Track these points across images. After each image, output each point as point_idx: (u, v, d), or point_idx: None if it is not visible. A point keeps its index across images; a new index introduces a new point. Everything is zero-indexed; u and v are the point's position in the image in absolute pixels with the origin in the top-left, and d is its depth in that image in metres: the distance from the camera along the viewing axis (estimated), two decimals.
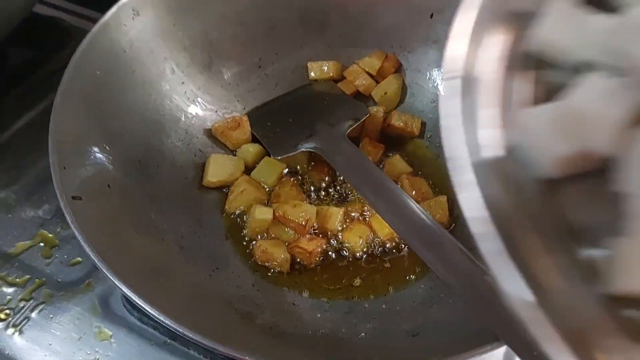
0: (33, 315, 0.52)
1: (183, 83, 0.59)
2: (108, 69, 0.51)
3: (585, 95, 0.26)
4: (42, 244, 0.57)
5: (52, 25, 0.77)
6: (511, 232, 0.24)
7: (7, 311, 0.52)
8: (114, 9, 0.52)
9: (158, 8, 0.55)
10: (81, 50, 0.48)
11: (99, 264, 0.36)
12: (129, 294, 0.35)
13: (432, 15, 0.60)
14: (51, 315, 0.52)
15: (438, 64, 0.62)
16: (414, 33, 0.62)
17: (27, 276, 0.54)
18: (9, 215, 0.59)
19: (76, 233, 0.37)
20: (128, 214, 0.46)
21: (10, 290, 0.54)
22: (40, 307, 0.52)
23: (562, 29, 0.28)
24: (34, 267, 0.55)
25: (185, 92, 0.58)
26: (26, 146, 0.65)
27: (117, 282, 0.36)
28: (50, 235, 0.58)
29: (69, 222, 0.38)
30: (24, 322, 0.51)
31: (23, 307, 0.52)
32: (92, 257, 0.36)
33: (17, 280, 0.54)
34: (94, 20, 0.77)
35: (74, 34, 0.76)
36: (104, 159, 0.47)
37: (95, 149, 0.47)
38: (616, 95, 0.25)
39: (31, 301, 0.53)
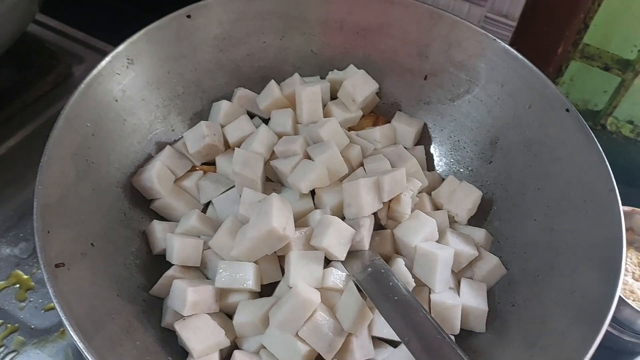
0: None
1: (173, 130, 0.58)
2: (98, 120, 0.50)
3: None
4: (17, 286, 0.56)
5: (39, 47, 0.74)
6: None
7: None
8: (108, 58, 0.51)
9: (155, 56, 0.55)
10: (72, 102, 0.47)
11: (82, 347, 0.35)
12: None
13: (425, 78, 0.62)
14: None
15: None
16: (407, 94, 0.63)
17: (0, 320, 0.53)
18: None
19: (59, 310, 0.36)
20: (111, 274, 0.46)
21: None
22: (12, 355, 0.51)
23: None
24: (7, 311, 0.54)
25: (175, 141, 0.58)
26: (4, 178, 0.64)
27: None
28: (26, 276, 0.57)
29: (51, 295, 0.37)
30: None
31: None
32: (76, 340, 0.36)
33: None
34: (85, 44, 0.77)
35: (62, 57, 0.75)
36: (89, 215, 0.47)
37: (81, 206, 0.46)
38: None
39: (2, 348, 0.52)
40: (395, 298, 0.44)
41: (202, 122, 0.55)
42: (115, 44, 0.76)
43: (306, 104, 0.56)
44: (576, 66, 0.78)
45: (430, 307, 0.49)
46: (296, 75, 0.60)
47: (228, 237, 0.49)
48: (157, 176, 0.52)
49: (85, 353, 0.35)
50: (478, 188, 0.57)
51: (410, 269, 0.50)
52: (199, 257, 0.50)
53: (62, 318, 0.36)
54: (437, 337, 0.40)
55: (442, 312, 0.49)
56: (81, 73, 0.75)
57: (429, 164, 0.62)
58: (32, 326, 0.53)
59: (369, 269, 0.47)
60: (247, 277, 0.47)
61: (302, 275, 0.46)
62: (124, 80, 0.52)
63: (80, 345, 0.35)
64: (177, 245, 0.49)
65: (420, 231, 0.50)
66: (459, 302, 0.49)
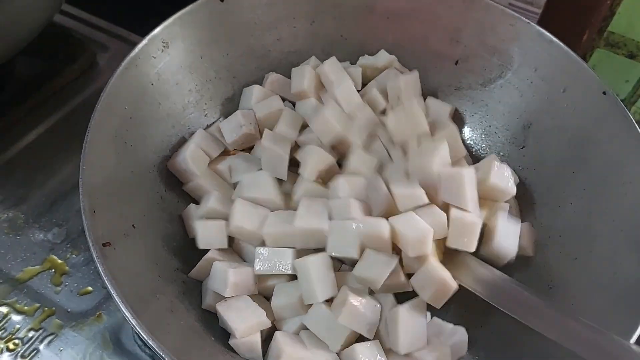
0: (42, 347, 0.51)
1: (206, 115, 0.58)
2: (136, 103, 0.50)
3: None
4: (51, 270, 0.56)
5: (64, 36, 0.75)
6: None
7: (16, 341, 0.51)
8: (144, 42, 0.51)
9: (188, 40, 0.55)
10: (111, 85, 0.47)
11: (134, 322, 0.36)
12: (161, 354, 0.35)
13: (457, 63, 0.61)
14: (61, 348, 0.51)
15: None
16: (437, 79, 0.62)
17: (37, 304, 0.53)
18: (17, 237, 0.58)
19: (109, 287, 0.37)
20: (152, 256, 0.46)
21: (18, 318, 0.53)
22: (50, 338, 0.52)
23: None
24: (43, 295, 0.54)
25: (208, 125, 0.58)
26: (35, 164, 0.64)
27: (154, 345, 0.35)
28: (60, 261, 0.57)
29: (101, 273, 0.37)
30: (33, 353, 0.51)
31: (32, 338, 0.51)
32: (127, 314, 0.36)
33: (26, 308, 0.53)
34: (109, 33, 0.77)
35: (87, 46, 0.75)
36: (129, 197, 0.47)
37: (122, 188, 0.46)
38: None
39: (40, 331, 0.52)
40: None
41: (239, 112, 0.55)
42: (139, 33, 0.77)
43: (343, 101, 0.56)
44: (600, 54, 0.78)
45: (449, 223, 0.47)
46: (333, 59, 0.59)
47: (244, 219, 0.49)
48: (191, 158, 0.52)
49: (137, 328, 0.36)
50: None
51: (433, 198, 0.48)
52: (224, 239, 0.49)
53: (113, 295, 0.37)
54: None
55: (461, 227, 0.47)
56: (105, 62, 0.75)
57: None
58: (69, 310, 0.53)
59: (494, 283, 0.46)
60: (287, 263, 0.47)
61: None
62: (159, 64, 0.52)
63: (132, 320, 0.36)
64: (199, 228, 0.49)
65: (435, 155, 0.49)
66: (479, 221, 0.48)
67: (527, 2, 0.73)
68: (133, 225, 0.46)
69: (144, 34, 0.52)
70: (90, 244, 0.38)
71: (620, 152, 0.49)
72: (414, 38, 0.61)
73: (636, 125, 0.49)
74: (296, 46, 0.62)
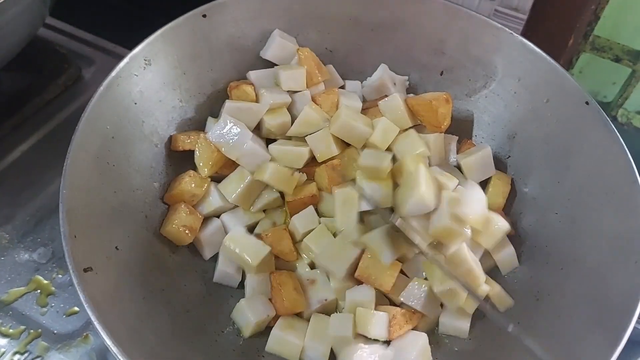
0: None
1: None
2: (118, 122, 0.49)
3: None
4: (37, 291, 0.55)
5: (49, 50, 0.74)
6: None
7: None
8: (125, 60, 0.50)
9: (171, 57, 0.54)
10: (92, 105, 0.47)
11: (113, 348, 0.35)
12: None
13: (442, 73, 0.61)
14: None
15: None
16: (423, 89, 0.62)
17: (22, 327, 0.53)
18: (2, 258, 0.57)
19: (90, 314, 0.36)
20: (135, 278, 0.46)
21: (4, 341, 0.52)
22: None
23: None
24: (29, 317, 0.54)
25: None
26: (20, 182, 0.63)
27: None
28: (46, 281, 0.56)
29: (82, 300, 0.37)
30: None
31: None
32: (107, 341, 0.35)
33: (11, 331, 0.53)
34: (94, 46, 0.77)
35: (72, 60, 0.74)
36: (112, 218, 0.46)
37: (104, 209, 0.46)
38: None
39: (26, 354, 0.52)
40: None
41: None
42: (125, 46, 0.76)
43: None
44: (586, 58, 0.78)
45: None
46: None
47: None
48: None
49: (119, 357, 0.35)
50: None
51: None
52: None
53: (96, 324, 0.36)
54: None
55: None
56: (91, 75, 0.75)
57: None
58: (55, 331, 0.53)
59: None
60: None
61: None
62: (142, 82, 0.52)
63: (114, 348, 0.35)
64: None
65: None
66: None
67: (513, 8, 0.73)
68: (116, 247, 0.45)
69: (130, 46, 0.52)
70: (71, 270, 0.38)
71: (603, 161, 0.50)
72: (399, 49, 0.61)
73: (618, 135, 0.50)
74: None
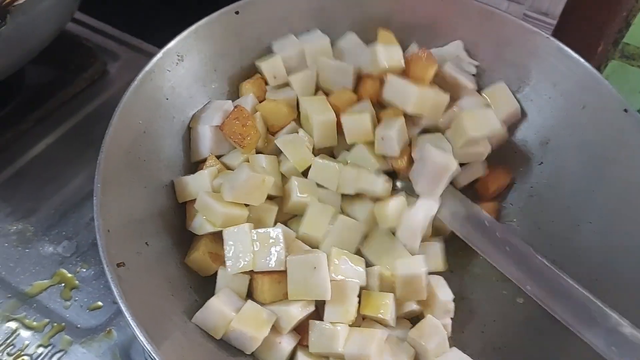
0: None
1: None
2: (149, 117, 0.49)
3: None
4: (61, 285, 0.55)
5: (75, 44, 0.74)
6: None
7: (25, 357, 0.50)
8: (159, 55, 0.50)
9: (203, 53, 0.54)
10: (126, 100, 0.46)
11: (148, 347, 0.35)
12: None
13: (474, 76, 0.60)
14: None
15: None
16: None
17: (46, 320, 0.53)
18: (27, 250, 0.57)
19: (123, 309, 0.36)
20: (164, 274, 0.45)
21: (28, 334, 0.52)
22: (59, 355, 0.51)
23: None
24: (53, 310, 0.53)
25: None
26: (44, 175, 0.63)
27: None
28: (70, 275, 0.56)
29: (116, 296, 0.37)
30: None
31: (41, 355, 0.51)
32: (141, 339, 0.35)
33: (35, 323, 0.52)
34: (120, 41, 0.77)
35: (98, 55, 0.74)
36: (142, 213, 0.46)
37: (135, 205, 0.45)
38: None
39: (49, 347, 0.51)
40: (507, 249, 0.47)
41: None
42: (150, 42, 0.76)
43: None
44: (615, 65, 0.77)
45: None
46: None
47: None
48: None
49: (153, 353, 0.35)
50: (527, 190, 0.56)
51: None
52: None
53: (129, 320, 0.36)
54: (559, 281, 0.44)
55: None
56: (116, 70, 0.74)
57: None
58: (78, 325, 0.52)
59: (468, 217, 0.50)
60: None
61: None
62: (174, 78, 0.52)
63: (151, 349, 0.35)
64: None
65: None
66: None
67: (542, 12, 0.72)
68: (146, 243, 0.45)
69: (155, 42, 0.51)
70: (105, 265, 0.38)
71: None
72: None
73: None
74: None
